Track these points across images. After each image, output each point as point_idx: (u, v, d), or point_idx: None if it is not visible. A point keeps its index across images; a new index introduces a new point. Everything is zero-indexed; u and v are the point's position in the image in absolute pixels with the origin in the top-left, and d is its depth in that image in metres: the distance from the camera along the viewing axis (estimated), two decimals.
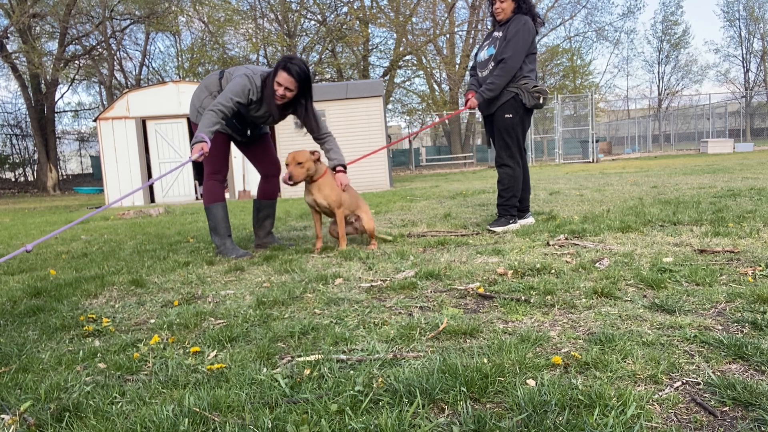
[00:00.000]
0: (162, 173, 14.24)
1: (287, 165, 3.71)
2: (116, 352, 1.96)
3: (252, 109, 3.77)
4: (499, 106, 4.20)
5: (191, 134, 14.41)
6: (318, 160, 3.79)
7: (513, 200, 4.28)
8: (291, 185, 3.72)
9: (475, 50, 4.58)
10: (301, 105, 3.80)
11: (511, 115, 4.18)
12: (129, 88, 25.81)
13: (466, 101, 4.30)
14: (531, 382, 1.50)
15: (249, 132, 4.03)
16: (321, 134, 3.99)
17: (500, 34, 4.19)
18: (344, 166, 3.98)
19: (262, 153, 4.16)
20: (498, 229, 4.15)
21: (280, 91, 3.64)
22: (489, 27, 4.49)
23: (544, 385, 1.46)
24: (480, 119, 32.72)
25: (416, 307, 2.33)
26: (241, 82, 3.65)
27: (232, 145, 4.05)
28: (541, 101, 4.20)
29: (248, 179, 13.44)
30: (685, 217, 4.11)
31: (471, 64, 4.56)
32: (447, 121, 31.05)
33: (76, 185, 26.88)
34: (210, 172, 3.94)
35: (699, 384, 1.47)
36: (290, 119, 12.18)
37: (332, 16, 26.87)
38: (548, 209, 5.30)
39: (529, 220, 4.43)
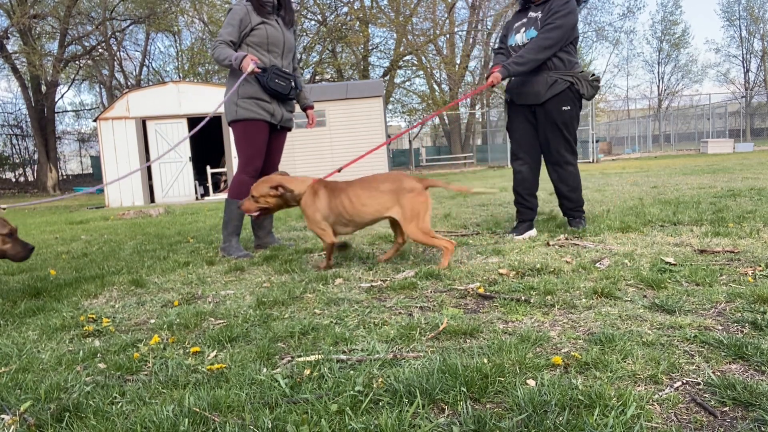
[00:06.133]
0: (162, 173, 14.26)
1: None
2: (116, 352, 1.96)
3: (265, 27, 3.78)
4: (552, 96, 3.77)
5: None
6: (281, 196, 3.16)
7: (581, 198, 3.99)
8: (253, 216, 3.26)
9: (494, 35, 4.23)
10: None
11: (569, 107, 3.78)
12: (129, 88, 25.82)
13: (488, 77, 3.75)
14: (531, 382, 1.50)
15: (294, 84, 3.92)
16: (294, 63, 4.14)
17: (538, 14, 3.75)
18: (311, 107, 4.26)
19: (276, 151, 4.15)
20: (581, 227, 3.91)
21: None
22: (517, 7, 4.03)
23: (544, 385, 1.46)
24: (480, 118, 32.72)
25: (416, 307, 2.33)
26: (230, 13, 3.81)
27: (232, 147, 4.05)
28: (597, 90, 3.87)
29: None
30: (685, 217, 4.11)
31: (496, 45, 4.14)
32: (447, 121, 31.08)
33: (76, 185, 26.89)
34: (242, 164, 3.92)
35: (699, 384, 1.47)
36: None
37: (332, 16, 26.88)
38: (548, 209, 5.30)
39: (532, 232, 3.98)
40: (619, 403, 1.35)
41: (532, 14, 3.80)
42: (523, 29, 3.82)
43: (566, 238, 3.62)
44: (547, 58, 3.74)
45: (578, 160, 4.02)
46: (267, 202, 3.16)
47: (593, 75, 3.81)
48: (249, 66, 3.62)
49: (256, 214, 3.23)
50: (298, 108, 4.35)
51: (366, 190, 3.06)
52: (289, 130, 4.19)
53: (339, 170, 3.69)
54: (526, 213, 4.02)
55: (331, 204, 3.10)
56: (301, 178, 3.23)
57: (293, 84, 3.91)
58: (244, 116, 3.81)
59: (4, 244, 2.72)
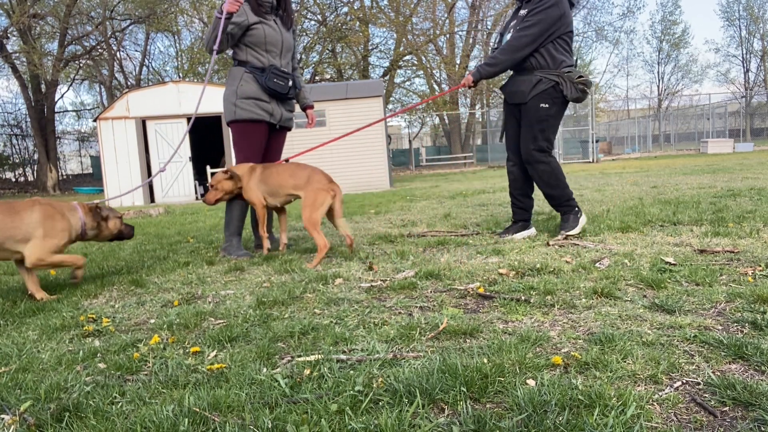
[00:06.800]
0: (162, 173, 14.25)
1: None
2: (116, 352, 1.96)
3: (262, 27, 3.76)
4: (535, 95, 3.70)
5: (191, 135, 14.46)
6: (231, 177, 3.76)
7: (566, 192, 3.81)
8: (211, 204, 3.86)
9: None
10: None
11: (547, 105, 3.69)
12: (129, 88, 25.82)
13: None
14: (531, 382, 1.50)
15: (291, 83, 3.90)
16: (294, 63, 4.16)
17: (524, 12, 3.71)
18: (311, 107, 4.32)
19: (275, 151, 4.14)
20: (574, 231, 3.71)
21: None
22: (516, 5, 3.95)
23: (544, 385, 1.46)
24: (480, 118, 32.68)
25: (416, 307, 2.33)
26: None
27: (232, 150, 4.06)
28: (585, 94, 3.69)
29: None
30: (685, 217, 4.11)
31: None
32: (447, 121, 31.08)
33: (76, 185, 26.87)
34: (240, 162, 3.95)
35: (699, 384, 1.47)
36: None
37: (332, 16, 26.87)
38: (548, 209, 5.30)
39: (531, 231, 3.99)
40: (619, 403, 1.35)
41: (521, 12, 3.74)
42: (512, 29, 3.78)
43: (565, 238, 3.62)
44: (522, 58, 3.68)
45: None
46: (223, 188, 3.78)
47: (581, 76, 3.64)
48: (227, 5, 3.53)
49: (213, 202, 3.82)
50: (298, 108, 4.35)
51: (287, 171, 3.74)
52: (289, 129, 4.19)
53: (286, 160, 4.08)
54: (518, 213, 4.01)
55: (262, 176, 3.75)
56: (243, 165, 3.84)
57: (291, 83, 3.91)
58: (242, 117, 3.80)
59: (121, 225, 3.35)
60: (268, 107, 3.85)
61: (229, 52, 3.96)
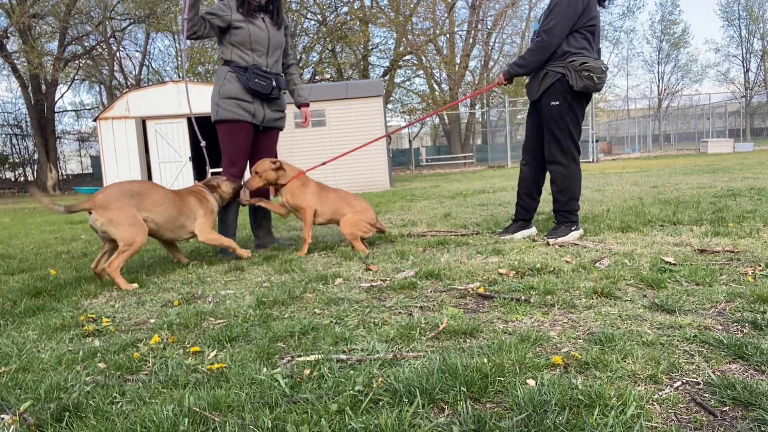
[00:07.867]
0: (162, 173, 14.26)
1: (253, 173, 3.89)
2: (116, 352, 1.96)
3: (247, 26, 3.74)
4: (544, 91, 3.62)
5: (191, 134, 14.47)
6: (279, 168, 3.79)
7: (572, 204, 3.71)
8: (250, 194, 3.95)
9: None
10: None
11: (558, 102, 3.58)
12: (129, 88, 25.82)
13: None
14: (531, 382, 1.50)
15: (274, 83, 3.88)
16: (289, 60, 4.16)
17: (548, 6, 3.65)
18: (306, 105, 4.30)
19: (265, 150, 4.13)
20: (559, 240, 3.57)
21: None
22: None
23: (544, 385, 1.46)
24: (480, 118, 32.67)
25: (416, 307, 2.33)
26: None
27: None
28: (595, 81, 3.50)
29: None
30: (685, 217, 4.11)
31: (531, 37, 4.01)
32: (447, 121, 31.10)
33: (76, 185, 26.87)
34: (227, 164, 3.95)
35: (699, 384, 1.47)
36: (290, 118, 12.16)
37: (332, 16, 26.88)
38: (548, 209, 5.30)
39: (531, 231, 3.97)
40: (619, 402, 1.35)
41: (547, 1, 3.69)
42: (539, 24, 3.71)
43: (547, 243, 3.62)
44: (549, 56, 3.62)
45: (580, 160, 3.91)
46: (267, 177, 3.79)
47: (584, 63, 3.49)
48: None
49: (255, 189, 3.85)
50: (294, 107, 4.35)
51: (345, 200, 3.88)
52: (280, 129, 4.17)
53: (323, 164, 4.32)
54: (519, 212, 4.00)
55: (320, 194, 3.85)
56: (293, 167, 3.91)
57: (274, 83, 3.88)
58: (224, 117, 3.82)
59: (229, 186, 3.86)
60: (250, 107, 3.84)
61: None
